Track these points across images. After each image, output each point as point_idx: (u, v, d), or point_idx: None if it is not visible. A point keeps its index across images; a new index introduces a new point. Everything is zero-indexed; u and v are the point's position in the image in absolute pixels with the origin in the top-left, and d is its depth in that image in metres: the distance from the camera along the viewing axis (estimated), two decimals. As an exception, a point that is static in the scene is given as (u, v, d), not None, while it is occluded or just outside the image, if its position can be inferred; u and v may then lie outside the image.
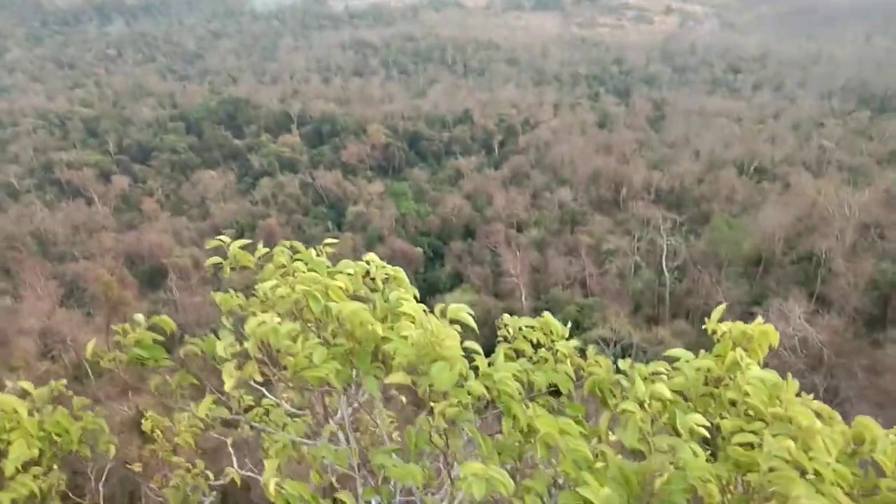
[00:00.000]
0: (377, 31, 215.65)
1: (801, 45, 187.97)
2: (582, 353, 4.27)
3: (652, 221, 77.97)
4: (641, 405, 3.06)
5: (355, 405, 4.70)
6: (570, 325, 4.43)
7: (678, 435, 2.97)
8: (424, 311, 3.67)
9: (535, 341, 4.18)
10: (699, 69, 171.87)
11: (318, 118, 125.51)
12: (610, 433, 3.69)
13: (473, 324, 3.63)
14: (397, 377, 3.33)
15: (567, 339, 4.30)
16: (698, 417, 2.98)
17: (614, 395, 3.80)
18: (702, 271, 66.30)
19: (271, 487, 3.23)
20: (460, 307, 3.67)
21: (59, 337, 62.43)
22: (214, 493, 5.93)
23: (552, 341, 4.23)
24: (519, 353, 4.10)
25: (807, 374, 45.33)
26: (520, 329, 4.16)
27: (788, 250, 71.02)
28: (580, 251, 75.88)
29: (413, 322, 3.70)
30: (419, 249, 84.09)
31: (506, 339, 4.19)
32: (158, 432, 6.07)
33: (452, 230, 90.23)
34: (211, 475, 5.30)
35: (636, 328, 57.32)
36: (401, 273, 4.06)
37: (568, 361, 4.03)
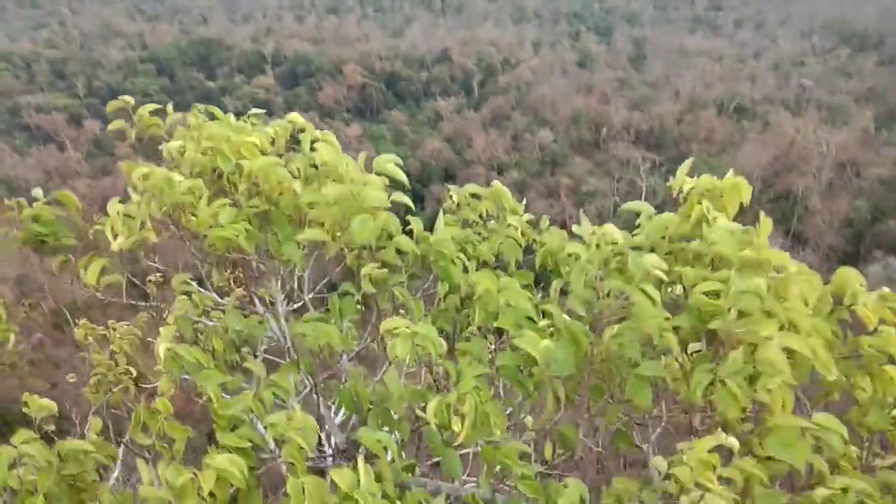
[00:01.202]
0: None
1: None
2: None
3: (632, 162, 77.71)
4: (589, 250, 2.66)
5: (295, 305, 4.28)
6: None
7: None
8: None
9: (484, 213, 3.76)
10: (680, 6, 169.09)
11: (293, 58, 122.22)
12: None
13: (404, 177, 3.19)
14: (312, 233, 2.89)
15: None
16: (654, 259, 2.57)
17: (568, 267, 3.41)
18: (680, 210, 66.37)
19: (162, 351, 2.83)
20: (388, 158, 3.21)
21: (36, 284, 61.51)
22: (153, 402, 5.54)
23: (503, 215, 3.81)
24: (466, 224, 3.68)
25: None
26: (467, 198, 3.71)
27: (766, 189, 71.31)
28: (560, 193, 75.58)
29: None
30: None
31: (451, 212, 3.76)
32: (91, 340, 5.64)
33: (432, 173, 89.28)
34: (133, 371, 4.88)
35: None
36: (330, 137, 3.57)
37: (518, 233, 3.62)
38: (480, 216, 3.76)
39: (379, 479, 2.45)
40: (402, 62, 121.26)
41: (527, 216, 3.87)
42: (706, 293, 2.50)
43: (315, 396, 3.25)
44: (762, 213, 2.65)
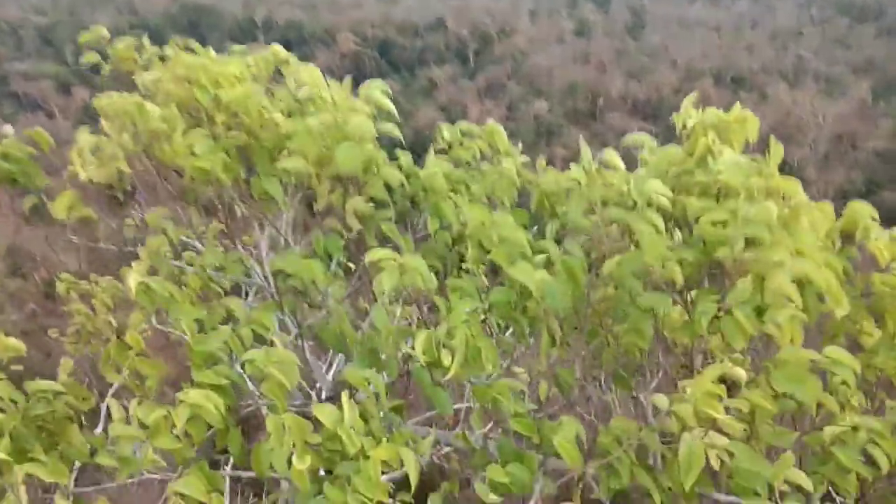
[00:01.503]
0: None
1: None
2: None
3: (628, 132, 77.35)
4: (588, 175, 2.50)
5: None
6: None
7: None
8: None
9: (477, 154, 3.59)
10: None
11: (284, 25, 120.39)
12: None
13: (392, 107, 3.01)
14: (293, 162, 2.72)
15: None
16: (658, 184, 2.42)
17: (565, 207, 3.25)
18: (676, 181, 66.34)
19: (132, 283, 2.68)
20: (375, 85, 3.03)
21: (27, 255, 61.05)
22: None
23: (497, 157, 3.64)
24: (457, 165, 3.51)
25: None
26: (459, 137, 3.54)
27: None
28: (556, 164, 75.21)
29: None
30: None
31: (443, 152, 3.59)
32: (73, 294, 5.49)
33: (426, 142, 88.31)
34: (113, 321, 4.74)
35: (609, 237, 57.47)
36: (316, 72, 3.38)
37: (514, 173, 3.46)
38: (473, 157, 3.59)
39: (365, 418, 2.33)
40: (396, 30, 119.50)
41: (523, 158, 3.71)
42: (712, 224, 2.35)
43: (300, 341, 3.12)
44: (773, 139, 2.50)
